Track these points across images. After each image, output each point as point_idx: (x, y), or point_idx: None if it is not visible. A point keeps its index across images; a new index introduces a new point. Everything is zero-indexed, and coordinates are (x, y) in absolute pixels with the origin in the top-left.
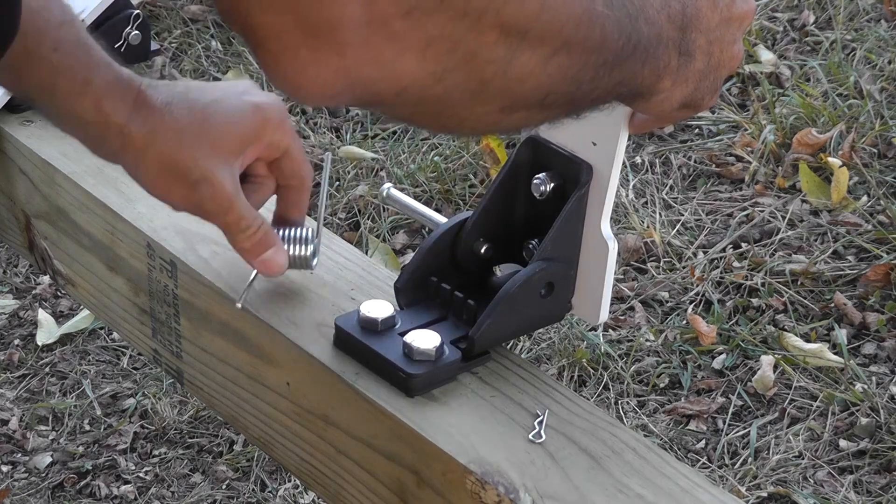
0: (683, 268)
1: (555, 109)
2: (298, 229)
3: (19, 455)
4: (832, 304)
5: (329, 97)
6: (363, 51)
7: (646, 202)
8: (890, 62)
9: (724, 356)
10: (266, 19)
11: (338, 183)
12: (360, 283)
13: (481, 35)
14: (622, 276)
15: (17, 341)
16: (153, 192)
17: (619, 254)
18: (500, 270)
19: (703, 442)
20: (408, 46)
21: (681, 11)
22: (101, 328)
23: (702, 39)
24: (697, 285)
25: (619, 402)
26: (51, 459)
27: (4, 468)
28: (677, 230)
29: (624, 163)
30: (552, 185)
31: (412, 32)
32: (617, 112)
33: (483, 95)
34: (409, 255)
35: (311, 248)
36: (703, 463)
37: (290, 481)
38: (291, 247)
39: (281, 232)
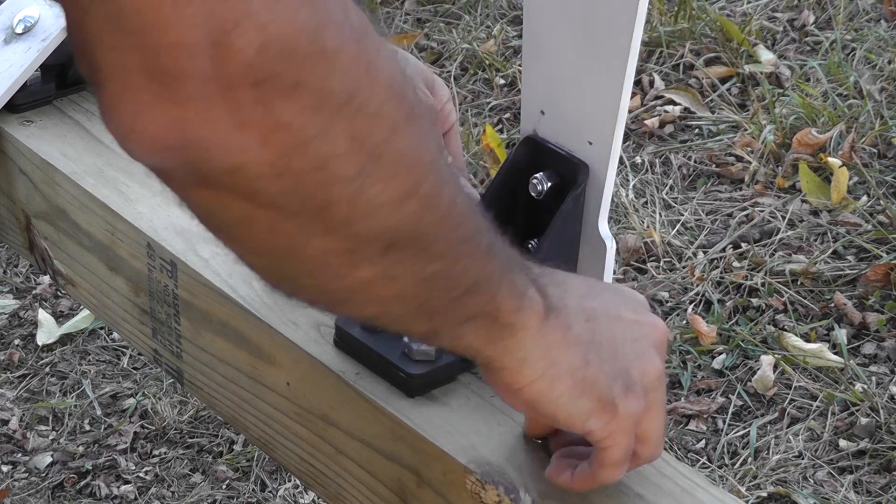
0: (683, 268)
1: (404, 283)
2: None
3: (19, 455)
4: (832, 304)
5: (159, 149)
6: (202, 109)
7: (646, 202)
8: (890, 62)
9: (724, 356)
10: (112, 58)
11: None
12: None
13: (333, 142)
14: (622, 276)
15: (17, 341)
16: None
17: (618, 253)
18: None
19: (703, 442)
20: (249, 121)
21: (527, 265)
22: (101, 328)
23: (571, 302)
24: (697, 285)
25: None
26: (51, 459)
27: (4, 468)
28: (677, 230)
29: (624, 163)
30: (549, 184)
31: (257, 109)
32: (612, 110)
33: (326, 220)
34: None
35: None
36: (703, 463)
37: (290, 481)
38: None
39: None
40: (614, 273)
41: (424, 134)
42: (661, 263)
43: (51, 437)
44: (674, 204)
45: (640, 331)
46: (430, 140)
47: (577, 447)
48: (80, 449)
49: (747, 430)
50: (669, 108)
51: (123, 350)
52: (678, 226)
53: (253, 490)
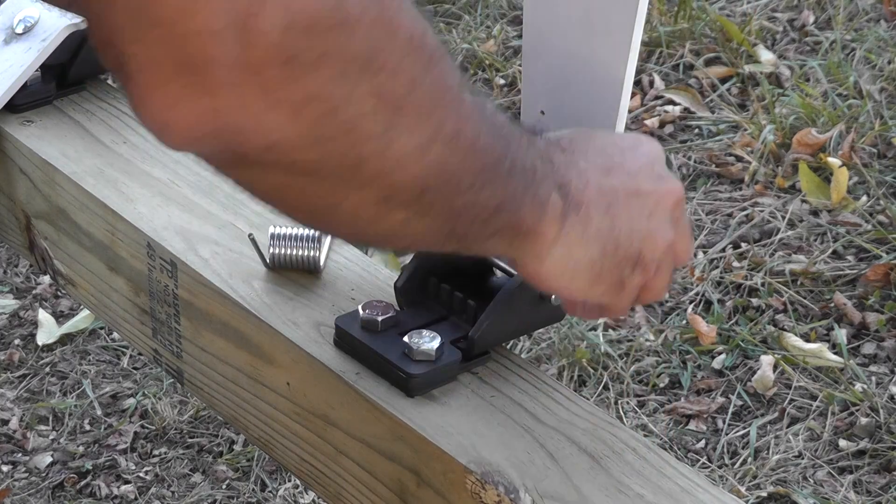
0: (683, 268)
1: (434, 217)
2: (310, 231)
3: (19, 455)
4: (832, 304)
5: (195, 139)
6: (234, 95)
7: None
8: (890, 62)
9: (723, 356)
10: (140, 50)
11: None
12: (360, 283)
13: (360, 103)
14: None
15: (17, 341)
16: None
17: None
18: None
19: (703, 442)
20: (280, 99)
21: (551, 157)
22: (101, 328)
23: (591, 192)
24: (697, 285)
25: (619, 402)
26: (51, 459)
27: (4, 468)
28: None
29: None
30: None
31: (288, 85)
32: (612, 110)
33: (360, 176)
34: (409, 256)
35: (321, 250)
36: (703, 463)
37: (290, 481)
38: (302, 248)
39: (292, 231)
40: None
41: (445, 76)
42: None
43: (51, 437)
44: None
45: (655, 203)
46: (451, 81)
47: None
48: (80, 449)
49: (747, 430)
50: (669, 108)
51: (123, 350)
52: None
53: (253, 490)
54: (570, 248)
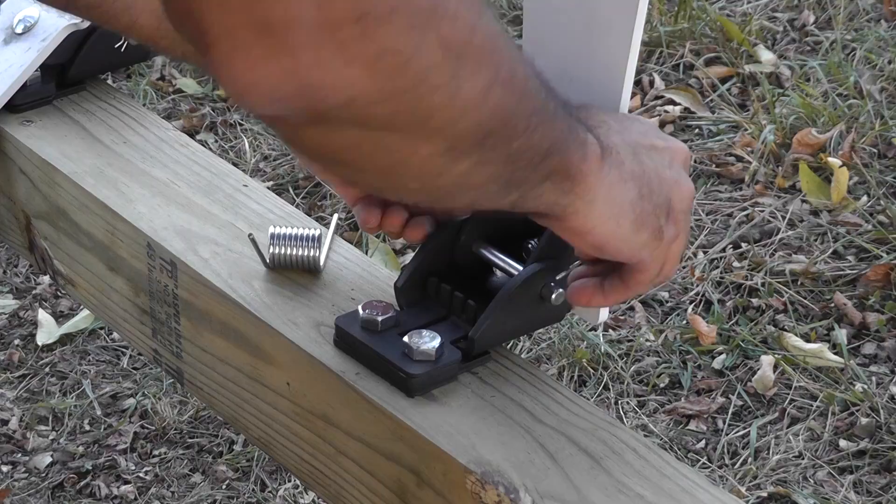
0: (683, 268)
1: (495, 164)
2: (311, 230)
3: (19, 455)
4: (832, 304)
5: (276, 100)
6: (313, 54)
7: None
8: (890, 62)
9: (724, 356)
10: (220, 18)
11: None
12: (360, 283)
13: (428, 53)
14: None
15: (17, 341)
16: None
17: None
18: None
19: (703, 442)
20: (356, 55)
21: (575, 113)
22: (101, 328)
23: (615, 139)
24: (697, 285)
25: (619, 402)
26: (51, 459)
27: (4, 468)
28: None
29: None
30: None
31: (362, 42)
32: (612, 110)
33: (429, 127)
34: (409, 255)
35: (321, 250)
36: (703, 463)
37: (290, 481)
38: (302, 248)
39: (292, 231)
40: None
41: (493, 21)
42: None
43: (51, 437)
44: None
45: (671, 155)
46: (497, 26)
47: (580, 269)
48: (80, 449)
49: (747, 430)
50: (669, 108)
51: (123, 350)
52: None
53: (253, 490)
54: (612, 188)
